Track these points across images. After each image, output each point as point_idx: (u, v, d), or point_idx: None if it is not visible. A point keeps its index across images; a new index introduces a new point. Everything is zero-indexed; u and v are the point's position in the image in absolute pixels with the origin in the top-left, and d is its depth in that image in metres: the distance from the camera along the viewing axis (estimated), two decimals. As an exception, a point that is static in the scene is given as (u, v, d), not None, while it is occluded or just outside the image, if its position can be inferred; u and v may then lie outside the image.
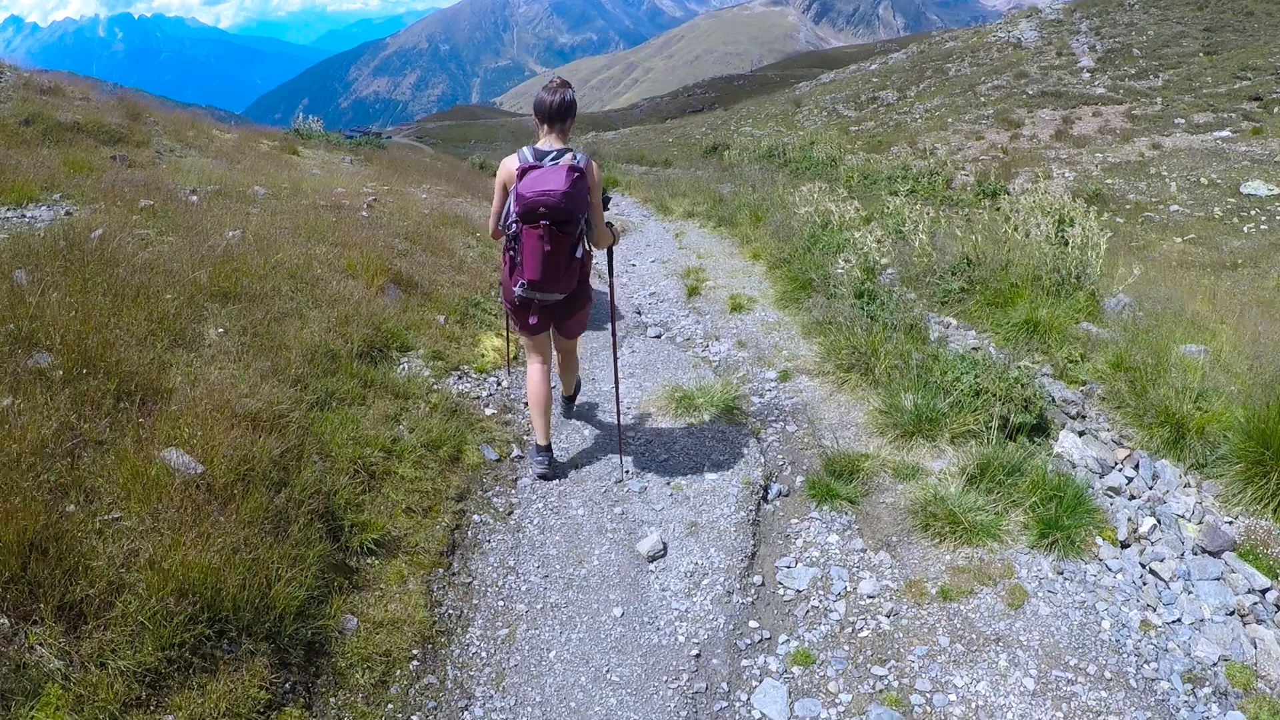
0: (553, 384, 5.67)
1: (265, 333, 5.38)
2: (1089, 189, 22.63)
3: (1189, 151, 25.38)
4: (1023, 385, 5.79)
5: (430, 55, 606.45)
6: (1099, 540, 4.57)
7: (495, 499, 5.10)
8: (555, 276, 4.56)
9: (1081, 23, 39.45)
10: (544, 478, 5.32)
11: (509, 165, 4.61)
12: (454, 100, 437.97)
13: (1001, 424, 5.50)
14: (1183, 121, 27.61)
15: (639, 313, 9.15)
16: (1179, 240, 19.88)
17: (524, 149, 4.60)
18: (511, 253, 4.65)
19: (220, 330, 5.30)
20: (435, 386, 5.94)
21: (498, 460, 5.48)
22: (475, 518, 4.84)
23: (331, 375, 5.26)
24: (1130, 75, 32.07)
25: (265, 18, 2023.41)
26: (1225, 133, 26.49)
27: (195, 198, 9.16)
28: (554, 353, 5.54)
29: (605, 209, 4.99)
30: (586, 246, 4.79)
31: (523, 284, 4.59)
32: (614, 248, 5.47)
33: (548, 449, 5.31)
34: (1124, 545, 4.61)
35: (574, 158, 4.48)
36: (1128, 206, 22.16)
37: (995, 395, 5.73)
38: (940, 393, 5.85)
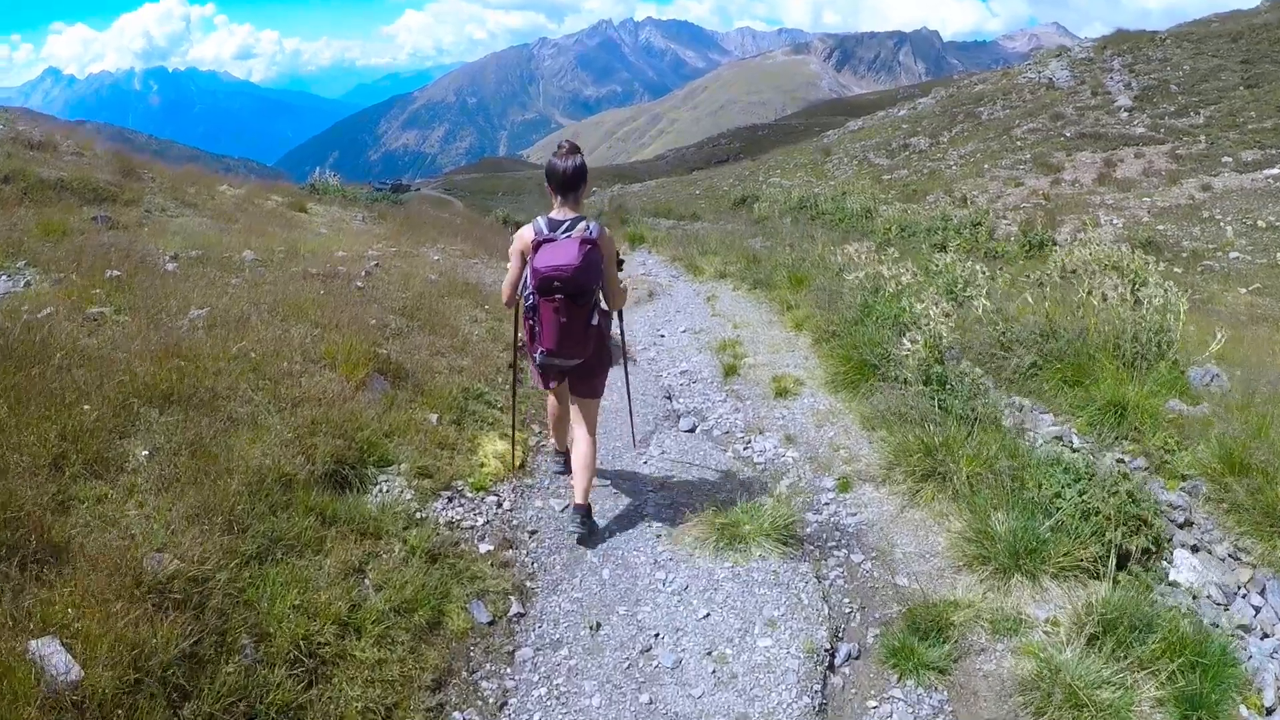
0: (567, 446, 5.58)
1: (206, 451, 4.28)
2: (1140, 236, 21.39)
3: (1241, 192, 24.13)
4: (1136, 502, 4.65)
5: (458, 108, 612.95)
6: (1243, 711, 3.67)
7: (484, 682, 3.91)
8: (573, 345, 4.64)
9: (1114, 60, 38.39)
10: (581, 542, 5.11)
11: (524, 236, 4.66)
12: (482, 152, 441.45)
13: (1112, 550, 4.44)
14: (1230, 160, 26.40)
15: (669, 397, 8.03)
16: (1244, 291, 18.60)
17: (539, 219, 4.66)
18: (531, 322, 4.69)
19: (148, 450, 4.21)
20: (418, 516, 4.77)
21: (490, 623, 4.27)
22: (456, 716, 3.67)
23: (282, 511, 4.10)
24: (1170, 113, 30.93)
25: (296, 73, 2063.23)
26: (1276, 170, 25.23)
27: (173, 265, 8.17)
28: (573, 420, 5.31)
29: (620, 269, 5.10)
30: (602, 310, 4.90)
31: (542, 353, 4.67)
32: (624, 310, 5.62)
33: (565, 453, 5.52)
34: (1268, 712, 3.68)
35: (586, 228, 4.56)
36: (1184, 254, 20.90)
37: (1106, 517, 4.58)
38: (1038, 512, 4.74)
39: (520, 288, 4.78)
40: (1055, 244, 20.84)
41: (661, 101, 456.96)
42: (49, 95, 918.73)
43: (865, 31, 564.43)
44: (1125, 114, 31.97)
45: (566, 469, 5.61)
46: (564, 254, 4.37)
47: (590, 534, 5.13)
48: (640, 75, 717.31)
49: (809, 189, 32.57)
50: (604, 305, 4.97)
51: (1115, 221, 23.00)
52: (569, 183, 4.62)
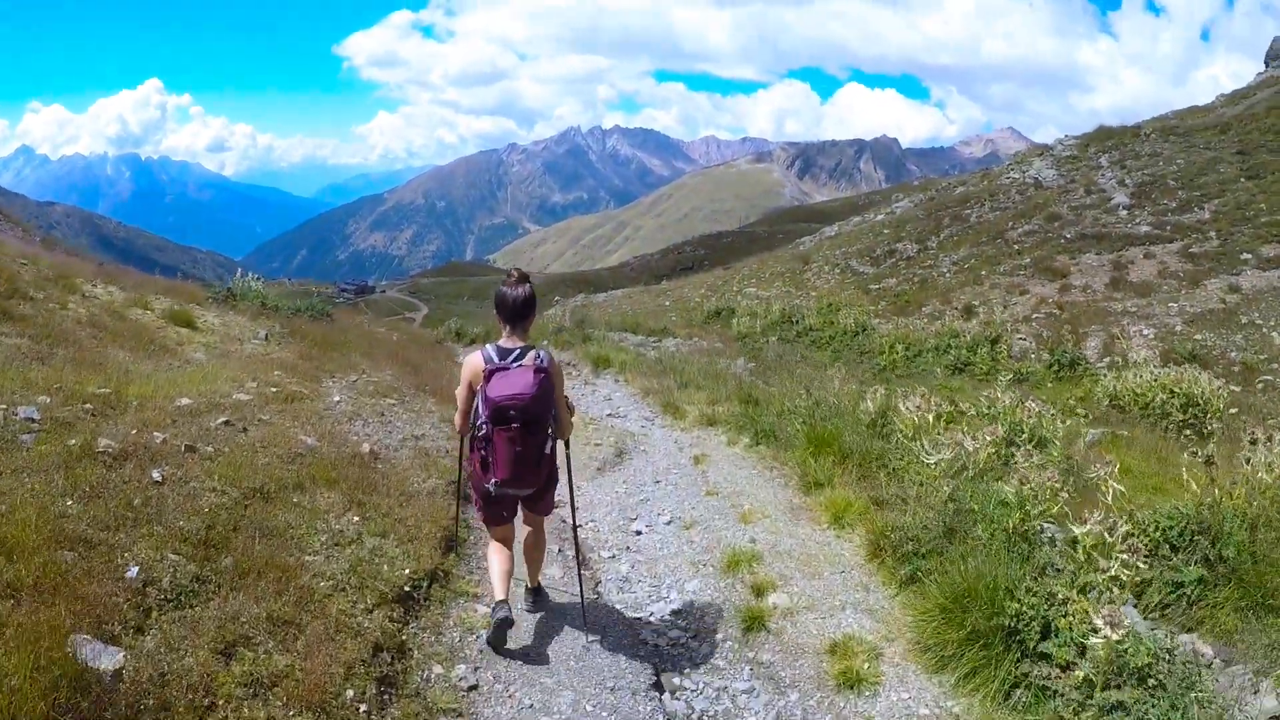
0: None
1: None
2: (1181, 349, 18.70)
3: (1274, 292, 21.71)
4: None
5: (426, 211, 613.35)
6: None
7: None
8: (527, 474, 4.56)
9: (1100, 157, 36.66)
10: (502, 625, 4.81)
11: (474, 364, 4.59)
12: (449, 256, 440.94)
13: None
14: (1250, 256, 24.04)
15: (657, 680, 4.88)
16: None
17: (488, 346, 4.61)
18: (483, 452, 4.57)
19: None
20: None
21: None
22: None
23: None
24: (1172, 209, 28.76)
25: (268, 168, 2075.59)
26: (1304, 264, 22.91)
27: None
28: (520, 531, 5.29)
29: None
30: (553, 442, 4.77)
31: (495, 483, 4.54)
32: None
33: (505, 602, 4.87)
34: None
35: (537, 357, 4.51)
36: (1235, 368, 18.19)
37: None
38: None
39: (473, 417, 4.65)
40: (1087, 362, 18.12)
41: (627, 209, 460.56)
42: (20, 173, 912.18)
43: (826, 140, 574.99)
44: (1124, 211, 29.81)
45: (511, 618, 4.91)
46: (519, 383, 4.36)
47: (543, 605, 5.40)
48: (606, 182, 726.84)
49: (789, 300, 29.95)
50: (558, 432, 4.85)
51: (1145, 332, 20.34)
52: (519, 311, 4.56)
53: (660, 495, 8.18)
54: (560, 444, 5.06)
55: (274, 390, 9.15)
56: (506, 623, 4.81)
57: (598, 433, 10.46)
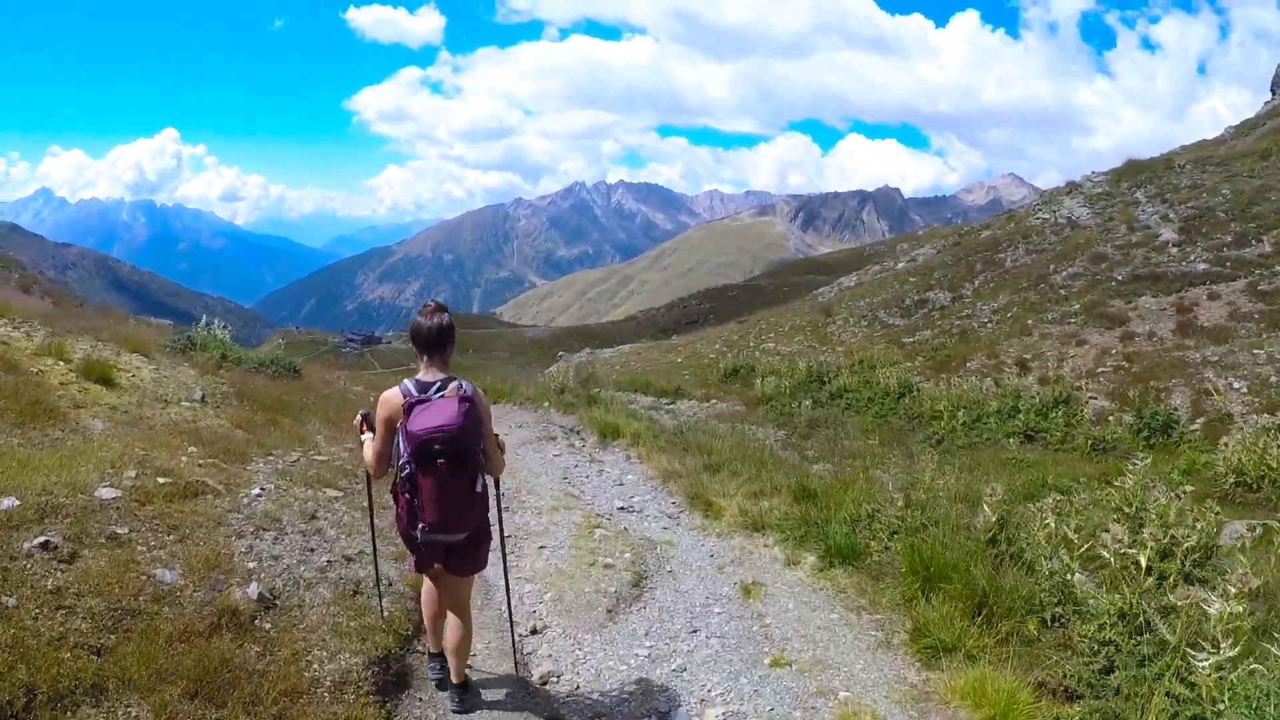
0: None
1: None
2: (1288, 403, 16.04)
3: (1370, 328, 19.18)
4: None
5: (434, 264, 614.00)
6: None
7: None
8: (458, 515, 4.22)
9: (1135, 192, 34.31)
10: (441, 686, 4.94)
11: (392, 400, 4.28)
12: (456, 308, 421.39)
13: None
14: (1332, 290, 21.59)
15: None
16: None
17: (406, 381, 4.36)
18: (408, 495, 4.21)
19: None
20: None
21: None
22: None
23: None
24: (1227, 243, 26.22)
25: (279, 218, 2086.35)
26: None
27: None
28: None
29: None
30: (484, 479, 4.42)
31: (423, 528, 4.20)
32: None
33: (441, 655, 4.93)
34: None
35: (460, 387, 4.28)
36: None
37: None
38: None
39: (394, 458, 4.34)
40: (1177, 423, 15.42)
41: (632, 263, 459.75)
42: (39, 215, 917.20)
43: (829, 191, 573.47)
44: (1175, 249, 27.32)
45: (463, 707, 4.80)
46: (443, 414, 4.07)
47: (470, 704, 4.85)
48: (611, 236, 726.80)
49: (814, 356, 27.40)
50: (489, 470, 4.55)
51: (1236, 385, 17.60)
52: (435, 341, 4.36)
53: (701, 660, 5.54)
54: (490, 483, 4.73)
55: (164, 482, 6.66)
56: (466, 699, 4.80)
57: (607, 542, 7.85)
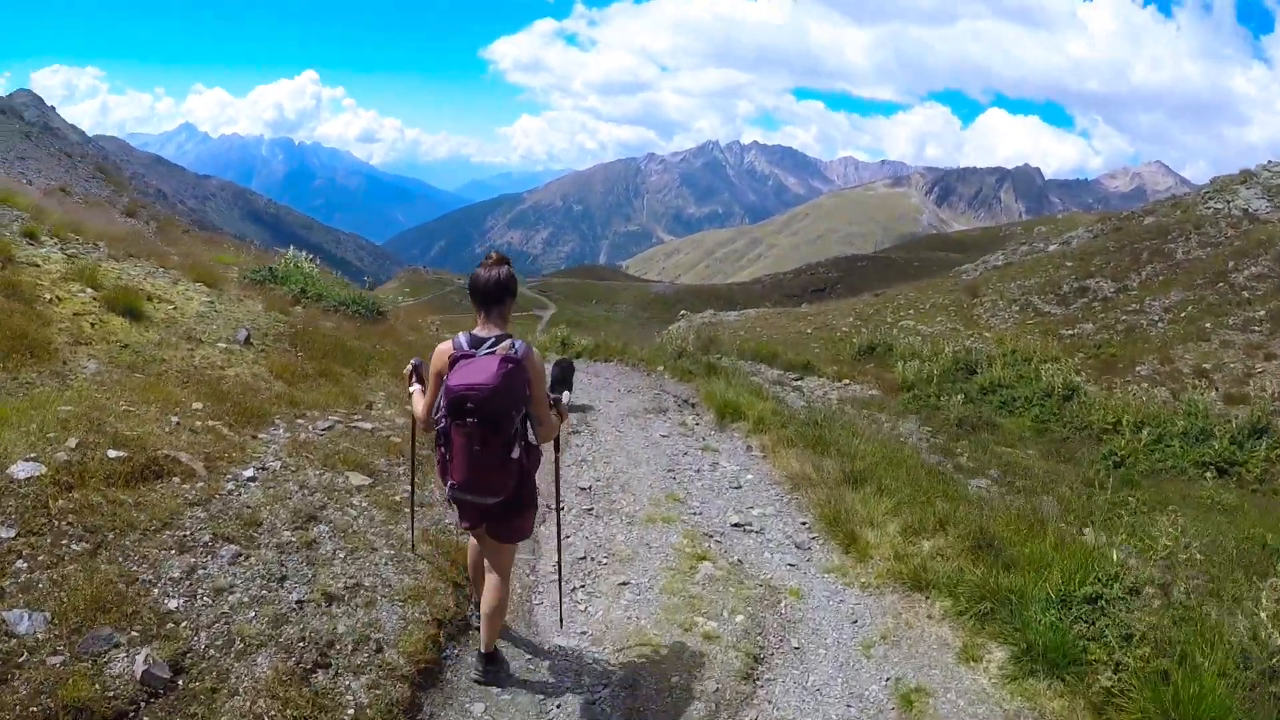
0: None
1: None
2: None
3: None
4: None
5: (563, 213, 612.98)
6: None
7: None
8: (486, 480, 3.99)
9: None
10: (478, 682, 4.48)
11: (442, 353, 4.11)
12: (582, 259, 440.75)
13: None
14: None
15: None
16: None
17: (460, 335, 4.10)
18: (442, 449, 4.10)
19: None
20: None
21: None
22: None
23: None
24: None
25: (413, 161, 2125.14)
26: None
27: None
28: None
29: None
30: (529, 442, 4.19)
31: (451, 486, 4.05)
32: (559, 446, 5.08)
33: (487, 656, 4.50)
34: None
35: (511, 346, 3.97)
36: None
37: None
38: None
39: (435, 410, 4.14)
40: None
41: (761, 225, 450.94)
42: (182, 147, 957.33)
43: (966, 166, 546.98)
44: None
45: (486, 678, 4.50)
46: (481, 371, 3.83)
47: (492, 677, 4.49)
48: (741, 198, 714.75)
49: (958, 340, 24.61)
50: (531, 438, 4.21)
51: None
52: (491, 295, 4.07)
53: None
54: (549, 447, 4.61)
55: (116, 456, 4.87)
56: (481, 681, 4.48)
57: (714, 588, 5.74)
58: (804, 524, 7.38)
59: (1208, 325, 22.31)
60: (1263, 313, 22.26)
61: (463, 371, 3.86)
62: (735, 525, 7.28)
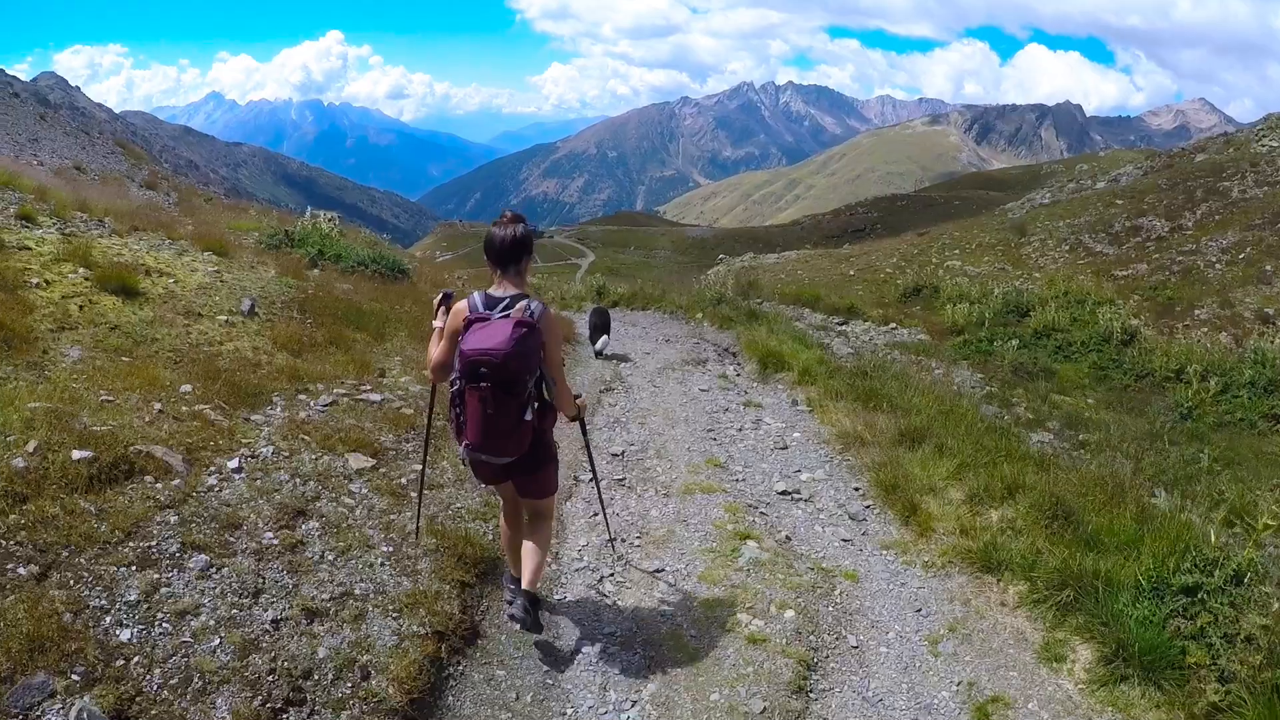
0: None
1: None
2: None
3: None
4: None
5: (598, 161, 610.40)
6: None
7: None
8: (500, 441, 3.93)
9: None
10: (514, 620, 4.21)
11: (458, 312, 4.00)
12: (619, 205, 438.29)
13: None
14: None
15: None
16: None
17: (475, 294, 4.01)
18: (456, 410, 4.01)
19: None
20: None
21: None
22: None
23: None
24: None
25: (444, 115, 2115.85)
26: None
27: None
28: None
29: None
30: (543, 402, 4.15)
31: (466, 447, 3.99)
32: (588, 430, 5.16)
33: (518, 583, 4.37)
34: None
35: (527, 308, 3.88)
36: None
37: None
38: None
39: (450, 371, 4.05)
40: None
41: (799, 167, 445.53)
42: (210, 117, 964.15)
43: (1006, 104, 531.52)
44: None
45: (525, 620, 4.18)
46: (494, 336, 3.77)
47: (534, 624, 4.22)
48: (778, 139, 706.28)
49: (1008, 280, 23.64)
50: (547, 398, 4.18)
51: None
52: (507, 254, 3.99)
53: None
54: (557, 421, 4.39)
55: (80, 458, 4.34)
56: (519, 618, 4.17)
57: (760, 574, 5.11)
58: (857, 490, 6.73)
59: (1269, 268, 21.14)
60: (1325, 256, 21.15)
61: (477, 335, 3.80)
62: (782, 493, 6.66)
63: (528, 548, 4.39)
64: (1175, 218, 26.97)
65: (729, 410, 9.21)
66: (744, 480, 6.96)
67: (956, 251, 30.10)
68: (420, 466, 4.98)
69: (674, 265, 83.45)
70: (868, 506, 6.42)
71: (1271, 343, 15.07)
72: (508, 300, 3.93)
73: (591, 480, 5.96)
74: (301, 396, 6.59)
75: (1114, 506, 5.57)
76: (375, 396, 7.16)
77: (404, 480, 5.62)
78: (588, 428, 5.53)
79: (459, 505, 5.61)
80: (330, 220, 16.14)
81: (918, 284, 22.64)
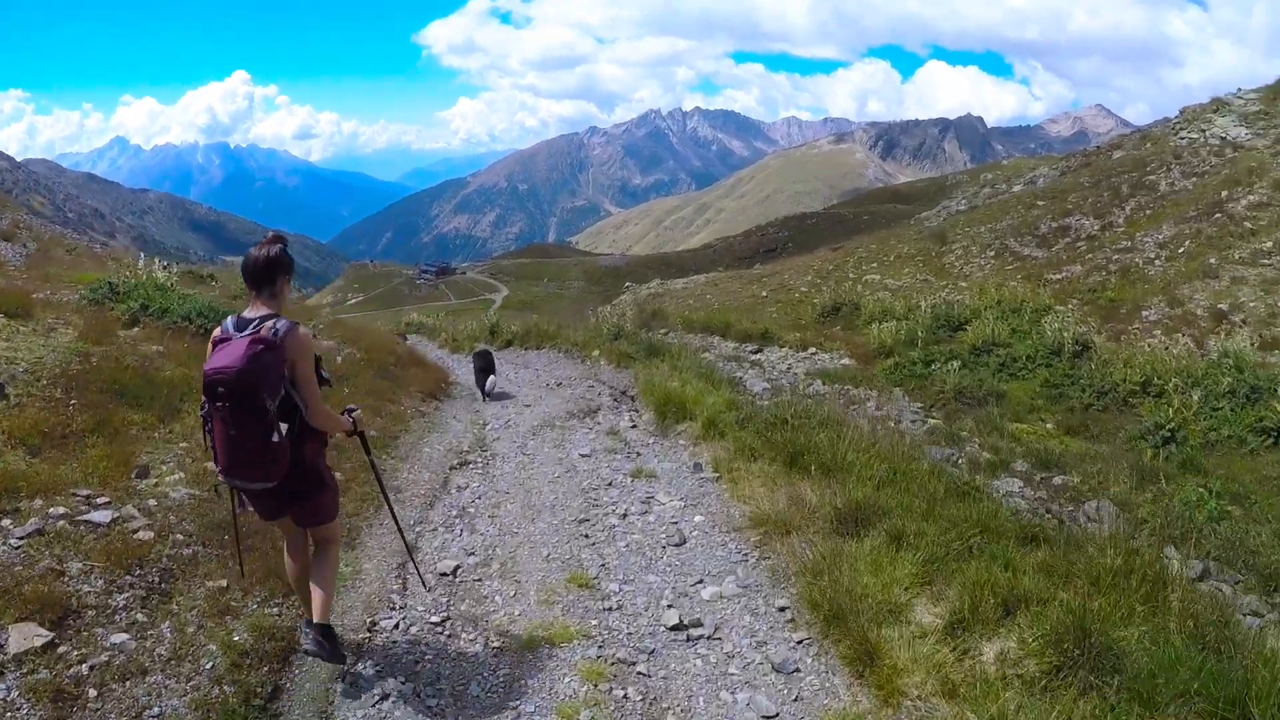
0: None
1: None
2: None
3: None
4: None
5: (509, 194, 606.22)
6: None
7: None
8: (247, 464, 3.79)
9: None
10: (310, 653, 4.03)
11: (214, 334, 3.90)
12: (532, 238, 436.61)
13: None
14: None
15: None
16: None
17: (230, 317, 3.91)
18: (208, 433, 3.86)
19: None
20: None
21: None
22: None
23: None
24: None
25: (353, 154, 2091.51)
26: None
27: None
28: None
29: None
30: (297, 424, 3.95)
31: (219, 473, 3.90)
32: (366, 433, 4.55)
33: (317, 626, 4.03)
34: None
35: (271, 329, 3.74)
36: None
37: None
38: None
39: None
40: None
41: (708, 191, 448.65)
42: (115, 163, 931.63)
43: (910, 119, 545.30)
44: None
45: (319, 650, 4.01)
46: (230, 354, 3.65)
47: (334, 653, 4.03)
48: (686, 164, 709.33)
49: (931, 291, 22.08)
50: (309, 420, 4.00)
51: None
52: (261, 274, 3.89)
53: None
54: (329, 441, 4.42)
55: None
56: (314, 651, 3.99)
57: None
58: (784, 613, 4.69)
59: (1212, 261, 19.91)
60: (1270, 244, 19.91)
61: (216, 355, 3.71)
62: (674, 628, 4.56)
63: (314, 580, 4.18)
64: (1104, 215, 25.81)
65: (613, 485, 7.17)
66: (620, 608, 4.86)
67: (875, 265, 28.57)
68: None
69: (589, 295, 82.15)
70: (801, 643, 4.36)
71: (1237, 342, 13.55)
72: (257, 321, 3.79)
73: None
74: (5, 521, 4.43)
75: (1149, 606, 3.68)
76: (103, 516, 5.00)
77: (87, 667, 3.49)
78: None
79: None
80: (165, 268, 13.88)
81: (836, 302, 20.89)
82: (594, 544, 5.88)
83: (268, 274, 3.87)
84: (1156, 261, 20.89)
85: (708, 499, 6.64)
